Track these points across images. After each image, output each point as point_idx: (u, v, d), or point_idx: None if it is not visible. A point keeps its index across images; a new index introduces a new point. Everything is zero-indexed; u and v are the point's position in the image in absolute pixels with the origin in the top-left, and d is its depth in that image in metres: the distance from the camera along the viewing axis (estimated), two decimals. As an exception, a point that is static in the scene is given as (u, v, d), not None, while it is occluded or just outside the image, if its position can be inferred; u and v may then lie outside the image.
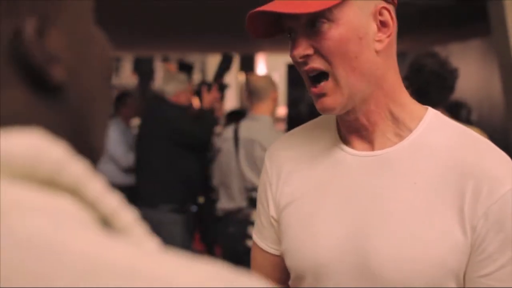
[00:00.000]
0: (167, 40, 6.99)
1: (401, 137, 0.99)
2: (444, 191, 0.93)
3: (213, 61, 9.72)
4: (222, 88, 3.71)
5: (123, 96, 5.49)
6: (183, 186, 3.65)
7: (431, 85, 2.34)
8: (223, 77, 3.75)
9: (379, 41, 0.95)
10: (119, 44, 7.02)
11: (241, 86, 9.25)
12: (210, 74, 9.38)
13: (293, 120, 3.90)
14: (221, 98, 3.74)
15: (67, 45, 0.46)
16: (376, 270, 0.94)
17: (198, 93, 3.74)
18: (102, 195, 0.42)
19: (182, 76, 3.89)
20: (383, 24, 0.95)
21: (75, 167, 0.41)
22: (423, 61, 2.38)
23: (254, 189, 3.09)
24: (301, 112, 7.50)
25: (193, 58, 9.91)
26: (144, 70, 4.22)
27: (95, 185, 0.42)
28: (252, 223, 3.22)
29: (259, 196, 1.13)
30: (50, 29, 0.44)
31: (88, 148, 0.49)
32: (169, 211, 3.57)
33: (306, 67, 0.94)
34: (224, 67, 3.73)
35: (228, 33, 6.01)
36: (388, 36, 0.96)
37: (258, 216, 1.14)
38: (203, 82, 3.80)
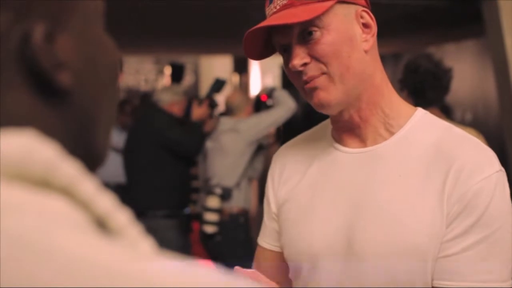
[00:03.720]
0: (159, 42, 6.98)
1: (391, 133, 1.05)
2: (427, 181, 0.98)
3: (206, 63, 9.72)
4: (212, 105, 3.77)
5: (122, 104, 5.59)
6: (174, 191, 3.66)
7: (426, 85, 2.36)
8: (213, 98, 3.87)
9: (366, 41, 1.03)
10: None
11: (235, 88, 9.25)
12: (203, 76, 9.40)
13: (288, 121, 3.91)
14: (211, 115, 3.79)
15: (76, 50, 0.46)
16: (359, 255, 1.01)
17: (188, 106, 3.79)
18: (95, 195, 0.42)
19: (179, 88, 4.04)
20: (365, 26, 1.03)
21: (67, 168, 0.41)
22: (418, 61, 2.40)
23: None
24: (295, 113, 7.49)
25: (186, 59, 9.91)
26: (179, 75, 4.27)
27: (88, 185, 0.42)
28: None
29: (265, 195, 1.21)
30: (59, 34, 0.45)
31: (91, 152, 0.50)
32: (162, 217, 3.57)
33: (306, 77, 1.00)
34: (215, 89, 3.89)
35: (221, 35, 6.01)
36: (372, 36, 1.04)
37: (264, 217, 1.22)
38: (195, 97, 3.86)
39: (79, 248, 0.36)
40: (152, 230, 3.75)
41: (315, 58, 1.00)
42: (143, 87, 10.31)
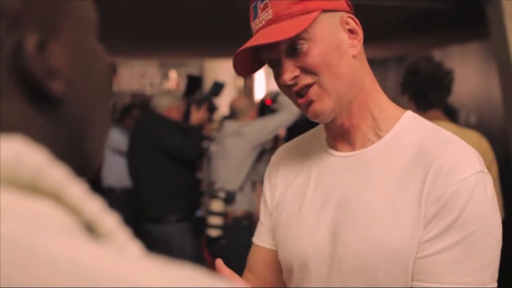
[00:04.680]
0: (164, 45, 6.99)
1: (379, 137, 1.07)
2: (408, 182, 0.99)
3: (211, 67, 9.72)
4: (211, 109, 3.77)
5: (129, 108, 5.63)
6: (184, 195, 3.67)
7: (427, 88, 2.35)
8: (211, 101, 3.87)
9: (353, 46, 1.04)
10: (116, 50, 7.02)
11: (239, 92, 9.25)
12: (208, 80, 9.39)
13: (291, 125, 3.91)
14: (210, 119, 3.79)
15: (68, 59, 0.47)
16: (342, 257, 1.02)
17: (187, 111, 3.79)
18: (83, 200, 0.42)
19: (178, 92, 4.06)
20: (351, 32, 1.04)
21: (55, 172, 0.42)
22: (418, 64, 2.40)
23: None
24: (299, 117, 7.48)
25: (191, 63, 9.92)
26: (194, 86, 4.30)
27: (76, 190, 0.42)
28: None
29: (262, 195, 1.24)
30: (52, 43, 0.46)
31: (85, 157, 0.50)
32: (174, 221, 3.59)
33: (297, 88, 1.02)
34: (213, 92, 3.89)
35: (227, 38, 6.01)
36: (359, 41, 1.05)
37: (260, 216, 1.24)
38: (193, 100, 3.86)
39: (66, 250, 0.37)
40: (166, 235, 3.78)
41: (304, 70, 1.01)
42: (148, 91, 10.32)
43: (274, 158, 1.25)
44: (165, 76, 10.52)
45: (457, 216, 0.94)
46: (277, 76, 1.05)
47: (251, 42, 1.00)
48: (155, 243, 3.63)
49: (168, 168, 3.64)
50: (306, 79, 1.01)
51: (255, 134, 3.67)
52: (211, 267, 1.18)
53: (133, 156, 3.81)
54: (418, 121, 1.07)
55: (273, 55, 1.03)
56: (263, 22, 1.02)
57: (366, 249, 1.00)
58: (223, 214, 3.63)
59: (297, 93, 1.03)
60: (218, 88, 3.96)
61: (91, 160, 0.51)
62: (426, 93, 2.34)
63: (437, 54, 6.84)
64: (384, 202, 1.00)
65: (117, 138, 5.18)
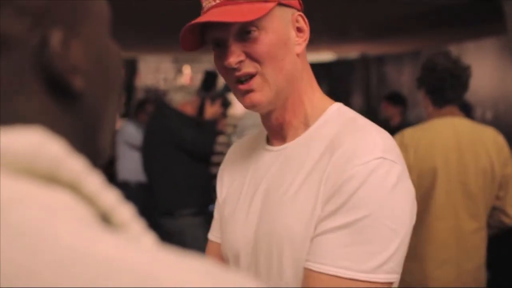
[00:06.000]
0: (178, 40, 7.00)
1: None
2: (317, 170, 1.00)
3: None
4: (225, 104, 3.78)
5: (144, 103, 5.66)
6: (198, 189, 3.69)
7: (444, 84, 2.33)
8: (225, 96, 3.85)
9: (298, 44, 1.06)
10: (131, 45, 7.04)
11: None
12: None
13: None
14: (224, 114, 3.79)
15: (88, 55, 0.49)
16: (258, 244, 1.06)
17: (202, 105, 3.80)
18: (100, 191, 0.43)
19: (192, 88, 4.04)
20: (299, 30, 1.06)
21: (73, 164, 0.43)
22: (435, 60, 2.37)
23: None
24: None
25: (204, 58, 9.93)
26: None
27: (93, 181, 0.43)
28: None
29: (216, 191, 1.28)
30: (73, 40, 0.47)
31: (97, 149, 0.52)
32: (188, 215, 3.61)
33: (239, 73, 1.02)
34: (227, 88, 3.86)
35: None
36: (305, 40, 1.07)
37: (214, 211, 1.28)
38: (208, 96, 3.86)
39: (81, 239, 0.37)
40: (179, 228, 3.78)
41: (250, 56, 1.01)
42: (162, 86, 10.36)
43: (227, 154, 1.29)
44: (179, 71, 10.55)
45: (347, 199, 0.93)
46: (219, 57, 1.04)
47: (206, 17, 1.00)
48: (169, 236, 3.65)
49: (182, 163, 3.65)
50: (250, 67, 1.01)
51: None
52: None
53: (147, 150, 3.84)
54: (341, 112, 1.07)
55: (222, 35, 1.03)
56: (218, 1, 1.01)
57: (275, 237, 1.02)
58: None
59: (238, 79, 1.03)
60: (211, 78, 3.95)
61: (102, 151, 0.53)
62: (443, 89, 2.33)
63: (453, 50, 6.79)
64: (293, 192, 1.02)
65: (132, 132, 5.21)
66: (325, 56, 10.68)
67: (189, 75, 10.43)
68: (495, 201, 2.31)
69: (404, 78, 8.50)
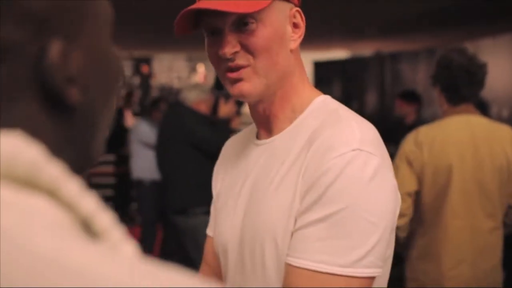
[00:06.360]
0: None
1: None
2: (297, 164, 0.99)
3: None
4: (239, 102, 3.79)
5: (158, 101, 5.69)
6: (211, 188, 3.69)
7: (459, 81, 2.30)
8: (224, 91, 3.87)
9: (293, 40, 1.05)
10: (144, 44, 7.07)
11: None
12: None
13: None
14: (238, 112, 3.79)
15: (86, 66, 0.48)
16: (244, 238, 1.06)
17: (215, 104, 3.80)
18: (79, 197, 0.43)
19: (206, 86, 4.07)
20: (295, 26, 1.06)
21: (51, 169, 0.42)
22: (450, 56, 2.34)
23: None
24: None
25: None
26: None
27: (72, 187, 0.42)
28: None
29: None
30: (72, 51, 0.47)
31: (88, 155, 0.52)
32: (202, 213, 3.62)
33: (232, 64, 1.01)
34: (221, 83, 3.85)
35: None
36: (300, 36, 1.06)
37: (211, 207, 1.28)
38: (221, 94, 3.86)
39: (54, 246, 0.36)
40: (193, 227, 3.79)
41: (245, 48, 1.00)
42: (176, 84, 10.39)
43: (222, 150, 1.30)
44: (193, 69, 10.58)
45: (323, 193, 0.91)
46: (213, 45, 1.03)
47: (206, 4, 0.98)
48: (183, 234, 3.66)
49: (196, 161, 3.66)
50: (244, 59, 1.01)
51: None
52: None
53: (161, 148, 3.85)
54: (325, 104, 1.06)
55: (218, 24, 1.02)
56: None
57: (255, 232, 1.02)
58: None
59: (229, 67, 1.02)
60: None
61: (93, 157, 0.53)
62: (459, 86, 2.30)
63: (469, 47, 6.74)
64: (276, 185, 1.01)
65: (146, 131, 5.23)
66: (340, 53, 10.64)
67: (203, 73, 10.45)
68: (511, 200, 2.29)
69: (419, 76, 8.45)
